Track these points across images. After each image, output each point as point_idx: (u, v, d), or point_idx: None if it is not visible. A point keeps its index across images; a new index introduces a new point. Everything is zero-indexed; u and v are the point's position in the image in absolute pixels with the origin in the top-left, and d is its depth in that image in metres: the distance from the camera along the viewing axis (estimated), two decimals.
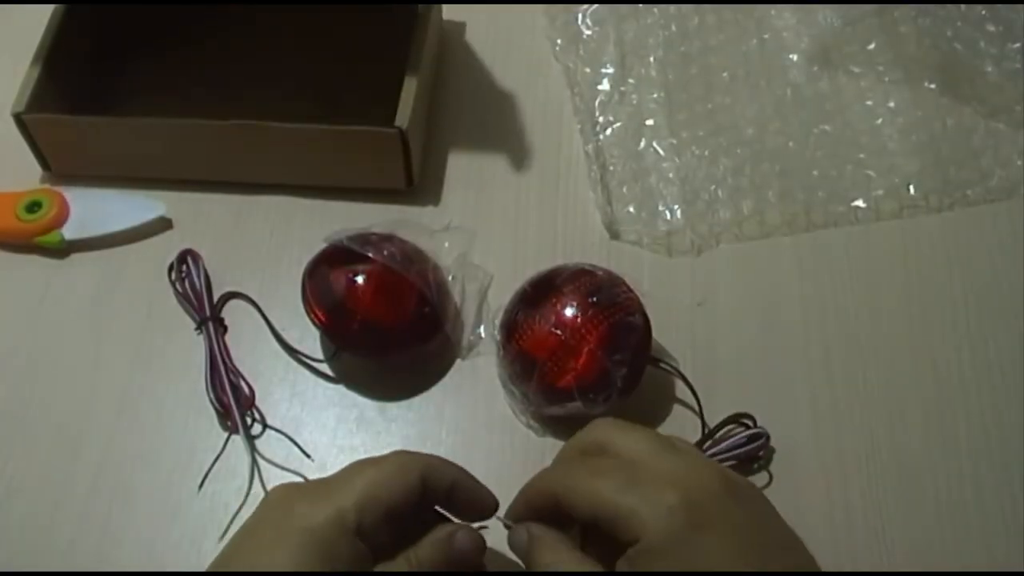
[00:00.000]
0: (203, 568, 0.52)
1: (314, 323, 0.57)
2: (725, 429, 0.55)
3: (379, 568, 0.44)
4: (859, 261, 0.62)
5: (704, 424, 0.55)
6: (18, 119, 0.62)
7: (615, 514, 0.42)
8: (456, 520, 0.48)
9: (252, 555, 0.43)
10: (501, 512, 0.48)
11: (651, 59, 0.70)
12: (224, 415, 0.56)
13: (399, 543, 0.45)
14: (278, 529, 0.43)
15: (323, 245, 0.58)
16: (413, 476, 0.45)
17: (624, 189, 0.65)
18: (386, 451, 0.56)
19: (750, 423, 0.55)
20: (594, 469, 0.44)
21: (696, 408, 0.56)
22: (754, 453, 0.54)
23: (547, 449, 0.56)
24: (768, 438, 0.54)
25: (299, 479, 0.55)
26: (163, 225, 0.64)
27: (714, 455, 0.54)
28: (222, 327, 0.59)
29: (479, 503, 0.47)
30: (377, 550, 0.44)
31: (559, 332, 0.53)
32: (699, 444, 0.54)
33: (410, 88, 0.61)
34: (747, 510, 0.43)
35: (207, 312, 0.59)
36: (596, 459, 0.46)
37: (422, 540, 0.45)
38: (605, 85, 0.69)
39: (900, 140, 0.66)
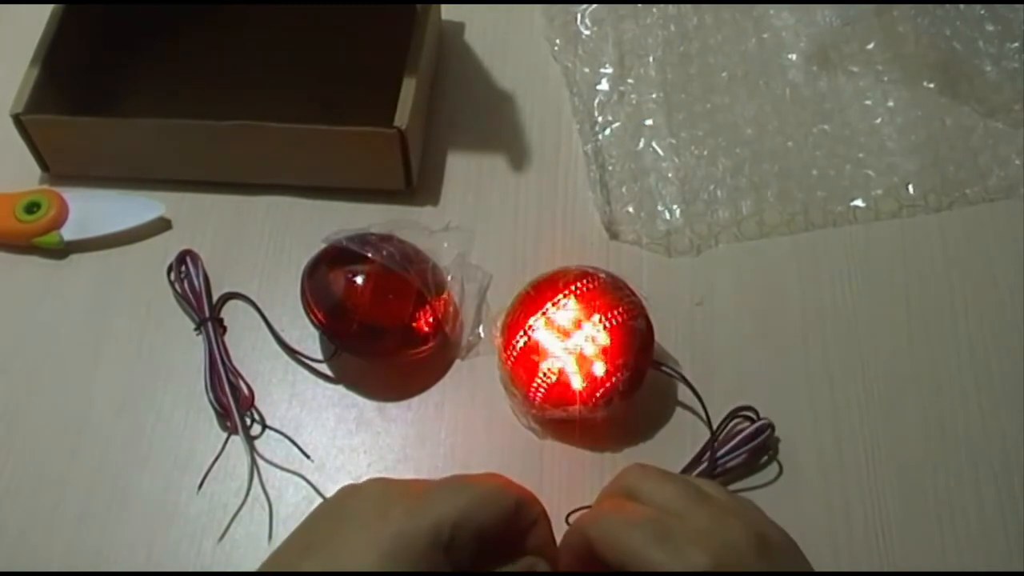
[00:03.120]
0: (202, 568, 0.53)
1: (313, 323, 0.57)
2: (730, 426, 0.55)
3: None
4: (858, 261, 0.62)
5: (710, 425, 0.55)
6: (17, 120, 0.62)
7: (643, 567, 0.41)
8: None
9: (339, 550, 0.42)
10: None
11: (650, 59, 0.70)
12: (224, 415, 0.56)
13: (477, 564, 0.44)
14: (371, 530, 0.42)
15: (322, 245, 0.58)
16: (511, 501, 0.44)
17: (623, 189, 0.65)
18: (386, 452, 0.56)
19: (753, 415, 0.55)
20: (627, 517, 0.44)
21: (697, 410, 0.56)
22: (763, 445, 0.54)
23: (546, 449, 0.56)
24: (773, 427, 0.54)
25: (299, 479, 0.55)
26: (162, 225, 0.64)
27: (725, 456, 0.54)
28: (221, 327, 0.59)
29: (549, 549, 0.47)
30: (456, 568, 0.43)
31: (561, 336, 0.53)
32: (706, 448, 0.54)
33: (409, 88, 0.61)
34: (775, 569, 0.43)
35: (206, 312, 0.59)
36: (630, 504, 0.45)
37: (506, 569, 0.45)
38: (604, 85, 0.69)
39: (899, 139, 0.66)
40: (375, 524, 0.42)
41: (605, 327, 0.53)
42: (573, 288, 0.55)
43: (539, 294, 0.56)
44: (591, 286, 0.54)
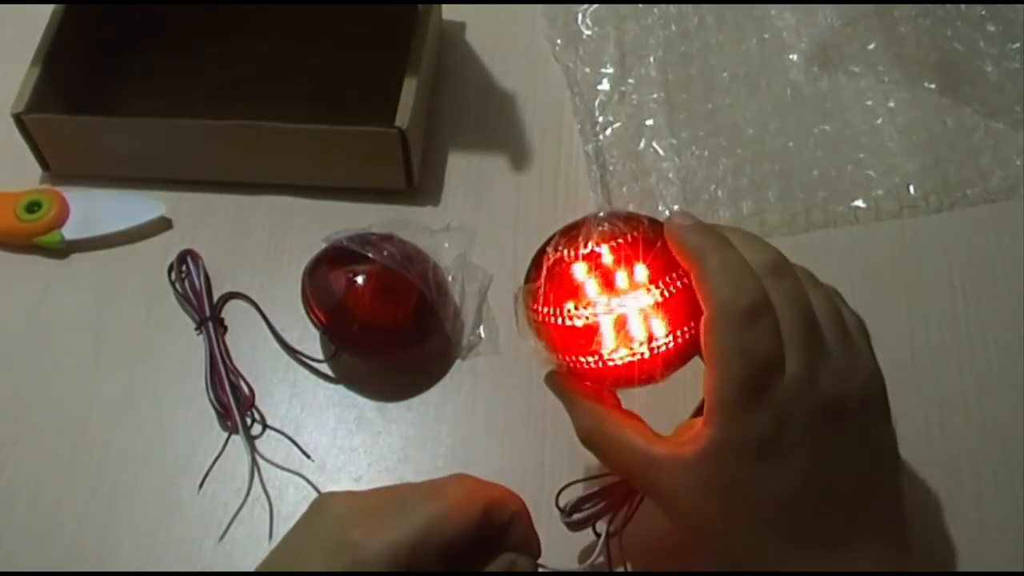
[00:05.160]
0: (202, 568, 0.53)
1: (314, 323, 0.57)
2: None
3: None
4: (859, 261, 0.62)
5: None
6: (18, 119, 0.62)
7: (697, 271, 0.43)
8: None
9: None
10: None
11: (651, 59, 0.70)
12: (224, 415, 0.56)
13: (447, 570, 0.43)
14: (329, 557, 0.42)
15: (323, 245, 0.58)
16: (475, 512, 0.43)
17: (624, 189, 0.65)
18: (386, 452, 0.56)
19: None
20: (726, 263, 0.43)
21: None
22: None
23: (547, 449, 0.56)
24: None
25: (300, 479, 0.55)
26: (163, 225, 0.64)
27: None
28: (222, 327, 0.59)
29: (528, 544, 0.46)
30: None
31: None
32: None
33: (410, 88, 0.61)
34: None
35: (207, 312, 0.59)
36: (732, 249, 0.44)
37: (486, 568, 0.44)
38: (605, 85, 0.69)
39: (900, 140, 0.66)
40: (333, 550, 0.42)
41: (664, 294, 0.45)
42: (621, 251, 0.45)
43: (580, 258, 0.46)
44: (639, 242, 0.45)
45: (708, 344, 0.42)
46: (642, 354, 0.45)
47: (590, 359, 0.46)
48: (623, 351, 0.45)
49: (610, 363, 0.45)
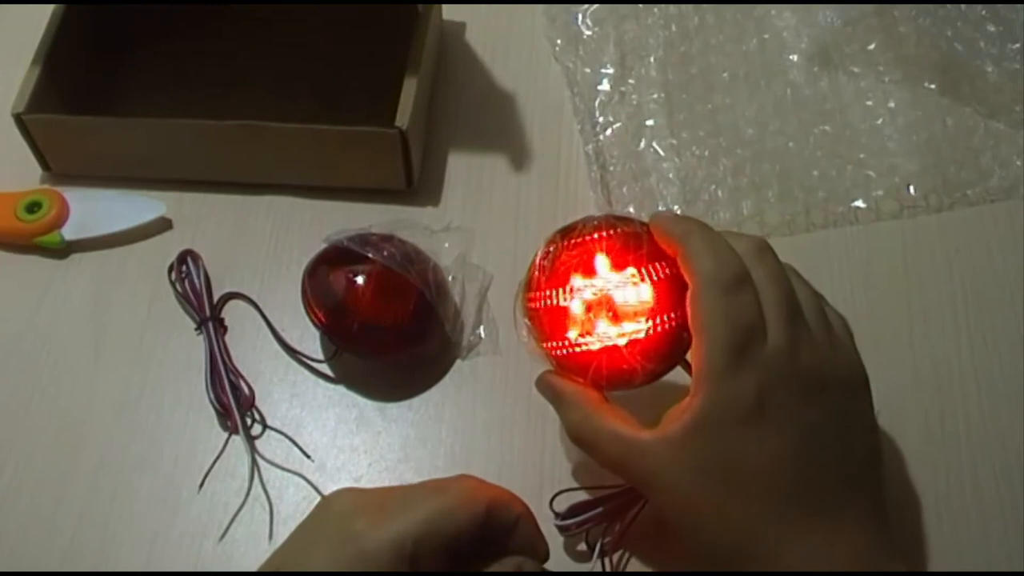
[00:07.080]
0: (202, 568, 0.53)
1: (314, 323, 0.57)
2: None
3: None
4: (859, 261, 0.62)
5: None
6: (18, 119, 0.62)
7: (683, 251, 0.45)
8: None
9: (306, 572, 0.43)
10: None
11: (651, 59, 0.70)
12: (224, 415, 0.56)
13: (449, 568, 0.44)
14: (334, 550, 0.42)
15: (323, 245, 0.58)
16: (479, 509, 0.44)
17: (624, 189, 0.65)
18: (386, 452, 0.56)
19: None
20: (715, 249, 0.45)
21: None
22: None
23: (547, 450, 0.56)
24: None
25: (300, 479, 0.55)
26: (163, 225, 0.64)
27: None
28: (222, 327, 0.59)
29: (535, 548, 0.47)
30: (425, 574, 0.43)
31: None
32: None
33: (410, 88, 0.61)
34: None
35: (207, 312, 0.59)
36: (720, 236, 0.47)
37: (493, 569, 0.44)
38: (605, 85, 0.69)
39: (900, 140, 0.66)
40: (338, 543, 0.42)
41: (649, 280, 0.47)
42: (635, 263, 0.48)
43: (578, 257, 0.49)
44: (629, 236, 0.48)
45: (694, 314, 0.44)
46: (631, 334, 0.47)
47: (577, 341, 0.48)
48: (610, 332, 0.47)
49: (597, 345, 0.47)
